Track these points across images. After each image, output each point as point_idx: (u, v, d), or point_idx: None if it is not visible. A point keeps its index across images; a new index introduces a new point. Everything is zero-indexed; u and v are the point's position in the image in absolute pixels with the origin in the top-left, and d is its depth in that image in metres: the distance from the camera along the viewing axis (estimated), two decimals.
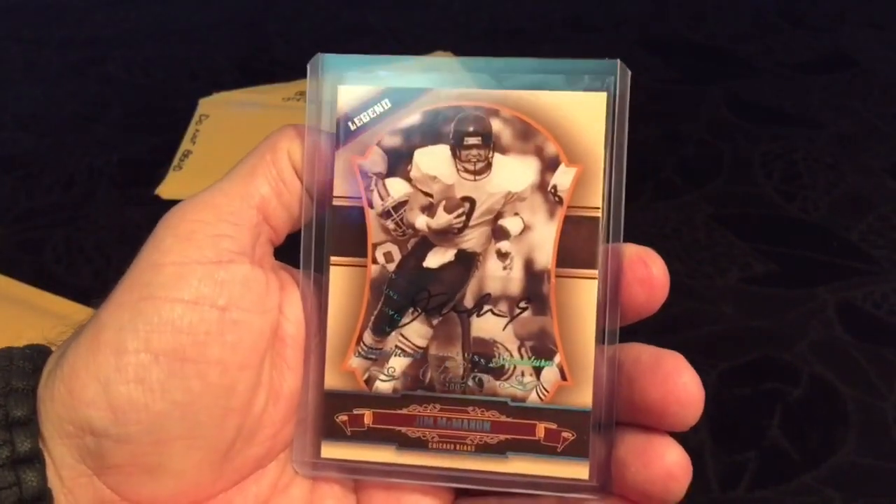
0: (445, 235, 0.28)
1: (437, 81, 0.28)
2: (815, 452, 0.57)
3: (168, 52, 1.08)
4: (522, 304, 0.27)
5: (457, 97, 0.27)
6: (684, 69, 1.00)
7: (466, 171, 0.27)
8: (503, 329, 0.27)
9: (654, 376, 0.25)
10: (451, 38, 1.05)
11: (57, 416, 0.25)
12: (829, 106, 0.92)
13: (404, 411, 0.27)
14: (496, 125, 0.27)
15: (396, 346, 0.28)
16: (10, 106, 0.98)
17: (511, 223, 0.27)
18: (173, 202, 0.26)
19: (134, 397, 0.24)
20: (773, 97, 0.94)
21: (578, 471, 0.26)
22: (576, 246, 0.27)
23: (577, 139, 0.27)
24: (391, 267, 0.28)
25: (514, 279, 0.27)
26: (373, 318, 0.28)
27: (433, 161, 0.27)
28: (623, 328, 0.27)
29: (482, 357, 0.27)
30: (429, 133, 0.27)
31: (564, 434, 0.27)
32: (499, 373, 0.27)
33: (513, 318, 0.27)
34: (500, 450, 0.27)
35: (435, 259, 0.27)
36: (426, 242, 0.28)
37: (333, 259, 0.28)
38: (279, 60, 1.05)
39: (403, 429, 0.27)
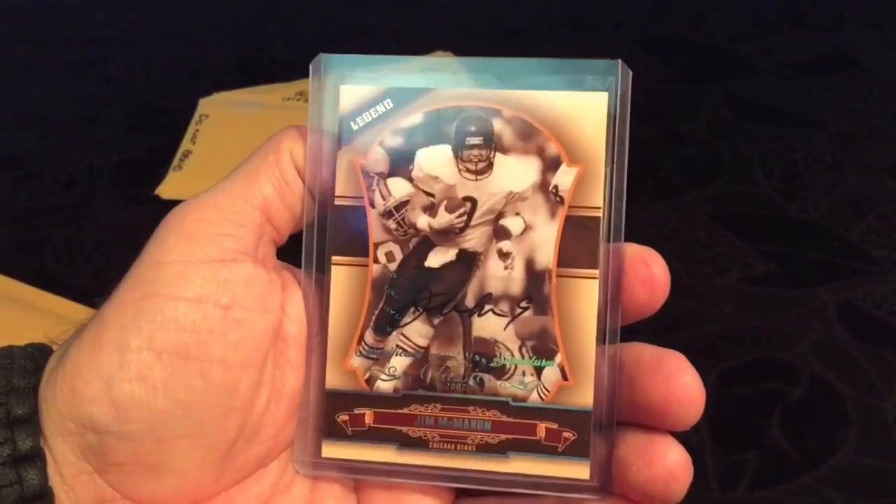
0: (447, 235, 0.28)
1: (439, 82, 0.28)
2: (815, 452, 0.57)
3: (168, 52, 1.07)
4: (523, 304, 0.27)
5: (458, 97, 0.27)
6: (684, 69, 1.00)
7: (468, 170, 0.27)
8: (504, 329, 0.27)
9: (656, 376, 0.25)
10: (451, 38, 1.04)
11: (59, 413, 0.25)
12: (829, 106, 0.92)
13: (405, 411, 0.27)
14: (498, 125, 0.27)
15: (397, 346, 0.28)
16: (10, 106, 0.98)
17: (512, 223, 0.27)
18: (173, 202, 0.26)
19: (136, 395, 0.24)
20: (773, 97, 0.94)
21: (579, 471, 0.27)
22: (577, 246, 0.27)
23: (578, 139, 0.27)
24: (393, 266, 0.28)
25: (515, 279, 0.27)
26: (374, 317, 0.28)
27: (435, 161, 0.27)
28: (624, 328, 0.27)
29: (483, 357, 0.27)
30: (430, 133, 0.27)
31: (565, 434, 0.27)
32: (500, 372, 0.27)
33: (514, 317, 0.27)
34: (500, 450, 0.27)
35: (436, 259, 0.28)
36: (428, 242, 0.28)
37: (335, 258, 0.28)
38: (279, 60, 1.05)
39: (404, 428, 0.27)
